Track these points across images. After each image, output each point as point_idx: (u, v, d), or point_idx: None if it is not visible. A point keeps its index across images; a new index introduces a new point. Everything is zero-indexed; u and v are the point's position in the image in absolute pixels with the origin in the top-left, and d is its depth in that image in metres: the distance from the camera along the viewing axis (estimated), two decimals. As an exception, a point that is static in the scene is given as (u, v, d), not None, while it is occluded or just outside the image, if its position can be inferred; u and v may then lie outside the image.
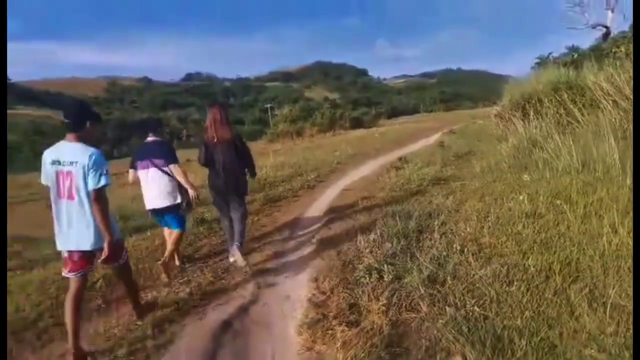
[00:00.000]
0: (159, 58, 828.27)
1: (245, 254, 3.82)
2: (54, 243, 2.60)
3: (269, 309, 2.97)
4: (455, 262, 2.93)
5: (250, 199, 6.45)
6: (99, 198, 2.47)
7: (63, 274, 2.62)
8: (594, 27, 16.15)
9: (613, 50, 11.47)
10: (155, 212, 3.90)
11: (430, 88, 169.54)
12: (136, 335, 2.72)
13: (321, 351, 2.21)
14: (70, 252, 2.55)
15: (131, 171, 3.95)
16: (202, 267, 3.98)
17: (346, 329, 2.30)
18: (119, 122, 58.99)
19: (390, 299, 2.53)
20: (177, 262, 4.06)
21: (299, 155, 14.30)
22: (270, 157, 13.43)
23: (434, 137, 17.28)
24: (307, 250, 4.30)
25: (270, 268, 3.89)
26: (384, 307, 2.44)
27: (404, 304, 2.48)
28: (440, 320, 2.20)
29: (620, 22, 16.77)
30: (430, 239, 3.66)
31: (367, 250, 3.55)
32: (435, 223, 4.10)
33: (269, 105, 75.56)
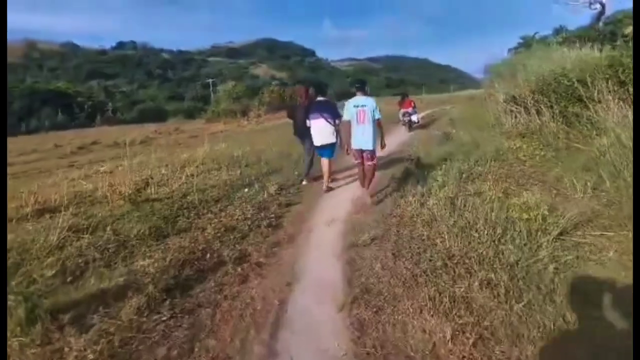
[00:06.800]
0: (88, 22, 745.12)
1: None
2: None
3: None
4: None
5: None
6: (380, 124, 4.86)
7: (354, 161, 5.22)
8: (591, 3, 14.23)
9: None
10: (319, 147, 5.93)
11: (377, 72, 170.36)
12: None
13: None
14: (359, 150, 4.91)
15: (307, 121, 5.97)
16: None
17: None
18: (30, 92, 49.58)
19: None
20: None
21: (244, 143, 10.53)
22: (205, 145, 9.62)
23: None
24: None
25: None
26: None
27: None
28: None
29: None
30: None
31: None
32: None
33: (211, 80, 68.68)
